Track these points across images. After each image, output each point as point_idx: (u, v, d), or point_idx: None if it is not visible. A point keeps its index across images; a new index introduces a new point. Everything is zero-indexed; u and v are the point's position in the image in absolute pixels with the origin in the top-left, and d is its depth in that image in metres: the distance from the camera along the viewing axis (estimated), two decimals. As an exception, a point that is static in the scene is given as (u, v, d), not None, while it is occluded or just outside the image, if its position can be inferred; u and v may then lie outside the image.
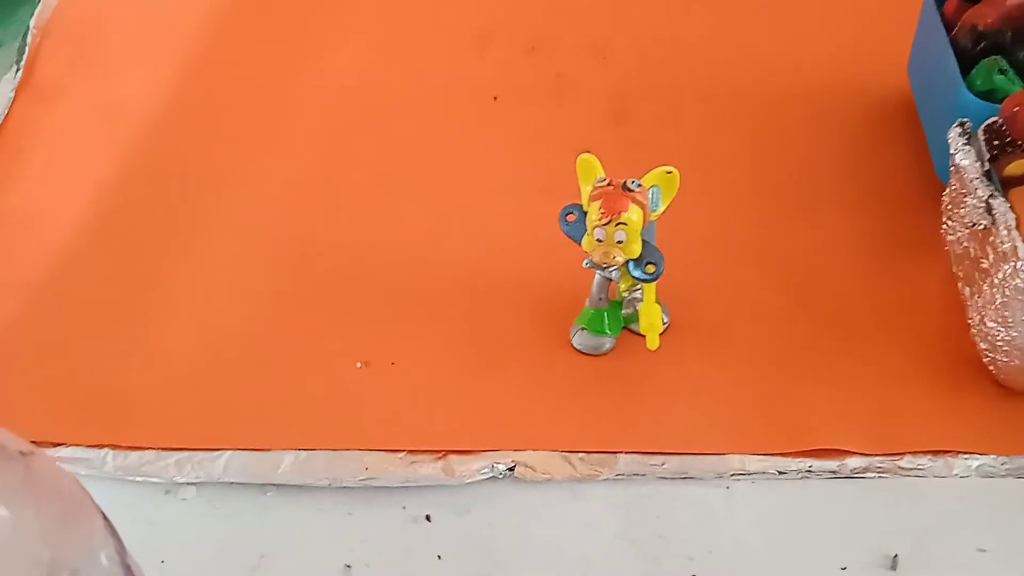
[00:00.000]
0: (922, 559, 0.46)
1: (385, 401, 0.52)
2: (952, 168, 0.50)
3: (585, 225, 0.48)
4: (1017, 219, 0.46)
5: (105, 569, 0.29)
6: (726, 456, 0.49)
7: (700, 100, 0.66)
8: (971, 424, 0.50)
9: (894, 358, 0.53)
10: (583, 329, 0.53)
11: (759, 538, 0.47)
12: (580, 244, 0.49)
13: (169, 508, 0.49)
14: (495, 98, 0.66)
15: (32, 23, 0.72)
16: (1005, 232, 0.46)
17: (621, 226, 0.47)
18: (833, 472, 0.49)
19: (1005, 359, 0.49)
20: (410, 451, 0.50)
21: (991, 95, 0.53)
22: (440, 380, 0.52)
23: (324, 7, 0.73)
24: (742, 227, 0.59)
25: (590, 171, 0.49)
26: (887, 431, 0.50)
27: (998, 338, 0.48)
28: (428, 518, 0.48)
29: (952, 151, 0.50)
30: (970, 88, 0.53)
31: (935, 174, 0.58)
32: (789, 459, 0.49)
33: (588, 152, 0.49)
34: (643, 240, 0.48)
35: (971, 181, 0.48)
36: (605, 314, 0.52)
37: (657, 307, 0.50)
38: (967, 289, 0.51)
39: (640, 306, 0.50)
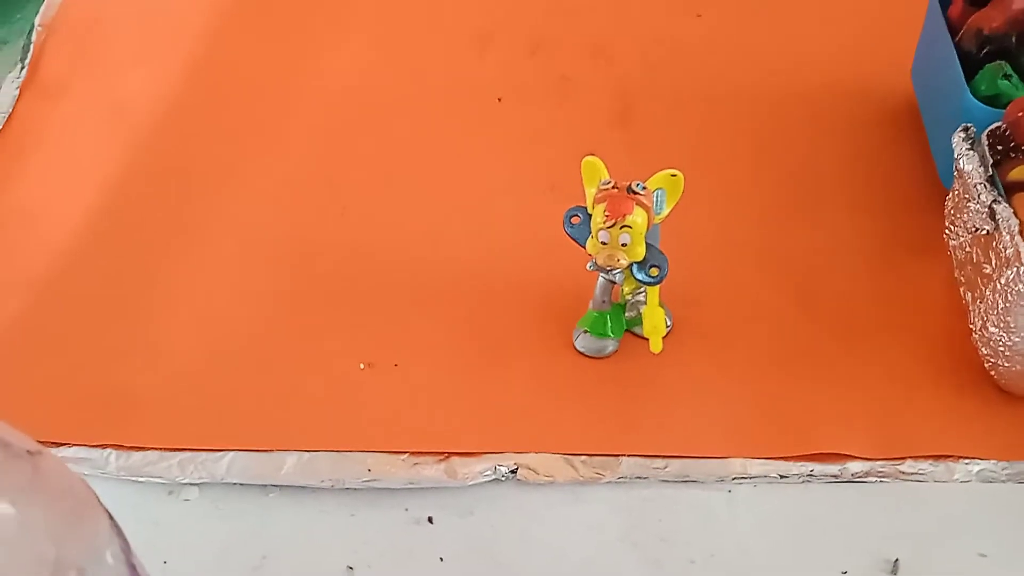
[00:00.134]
0: (923, 563, 0.46)
1: (388, 402, 0.52)
2: (955, 173, 0.50)
3: (589, 228, 0.48)
4: (1020, 224, 0.46)
5: (111, 567, 0.29)
6: (728, 460, 0.49)
7: (702, 100, 0.66)
8: (972, 429, 0.50)
9: (896, 361, 0.53)
10: (586, 332, 0.53)
11: (760, 541, 0.47)
12: (584, 247, 0.49)
13: (172, 508, 0.49)
14: (499, 99, 0.66)
15: (37, 21, 0.72)
16: (1008, 237, 0.46)
17: (626, 229, 0.47)
18: (834, 476, 0.49)
19: (1007, 364, 0.49)
20: (413, 453, 0.50)
21: (995, 100, 0.53)
22: (443, 382, 0.53)
23: (324, 7, 0.73)
24: (744, 228, 0.59)
25: (595, 173, 0.49)
26: (888, 435, 0.50)
27: (1000, 343, 0.48)
28: (430, 520, 0.48)
29: (955, 156, 0.50)
30: (974, 93, 0.53)
31: (938, 177, 0.59)
32: (790, 463, 0.49)
33: (592, 155, 0.49)
34: (647, 243, 0.48)
35: (974, 186, 0.48)
36: (608, 317, 0.52)
37: (660, 310, 0.50)
38: (969, 294, 0.51)
39: (644, 309, 0.50)
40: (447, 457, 0.50)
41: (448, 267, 0.57)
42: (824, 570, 0.46)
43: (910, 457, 0.49)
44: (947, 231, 0.52)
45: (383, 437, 0.50)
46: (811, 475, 0.49)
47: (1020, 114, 0.49)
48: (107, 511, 0.30)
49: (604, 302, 0.52)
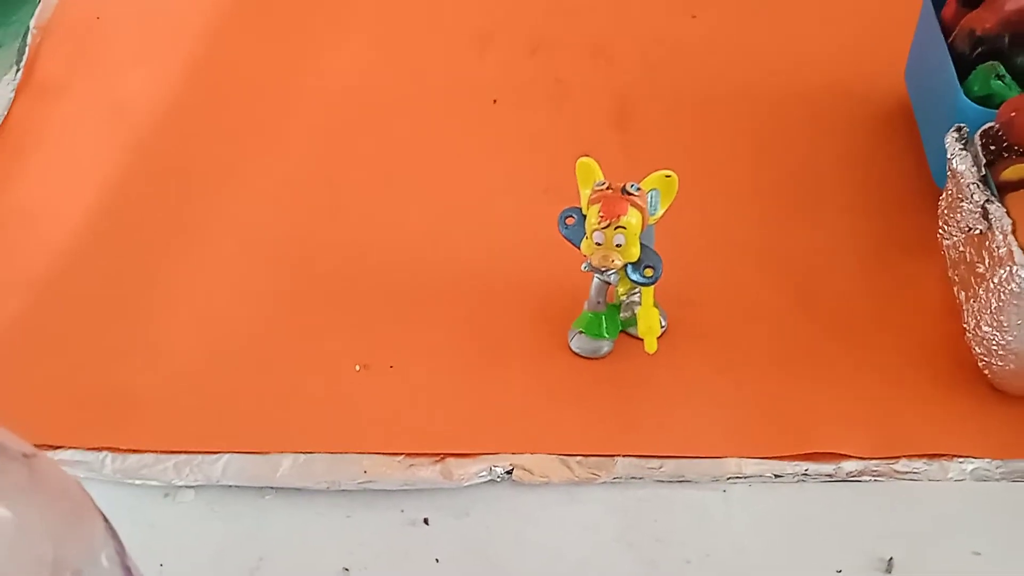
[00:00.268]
0: (917, 562, 0.46)
1: (384, 404, 0.52)
2: (949, 173, 0.51)
3: (584, 228, 0.48)
4: (1013, 224, 0.46)
5: (106, 570, 0.29)
6: (723, 459, 0.49)
7: (700, 101, 0.66)
8: (966, 428, 0.50)
9: (890, 361, 0.53)
10: (581, 333, 0.53)
11: (756, 541, 0.47)
12: (579, 247, 0.49)
13: (168, 511, 0.49)
14: (494, 101, 0.66)
15: (32, 23, 0.72)
16: (1001, 237, 0.46)
17: (620, 230, 0.47)
18: (829, 475, 0.49)
19: (1000, 363, 0.49)
20: (408, 454, 0.50)
21: (988, 100, 0.53)
22: (439, 383, 0.53)
23: (324, 7, 0.73)
24: (741, 228, 0.59)
25: (589, 174, 0.49)
26: (883, 434, 0.50)
27: (993, 342, 0.48)
28: (426, 521, 0.48)
29: (949, 156, 0.50)
30: (967, 93, 0.53)
31: (931, 177, 0.59)
32: (785, 462, 0.49)
33: (587, 156, 0.49)
34: (641, 244, 0.48)
35: (967, 186, 0.48)
36: (603, 318, 0.53)
37: (655, 311, 0.50)
38: (963, 293, 0.51)
39: (638, 310, 0.51)
40: (443, 458, 0.50)
41: (444, 268, 0.57)
42: (819, 569, 0.46)
43: (904, 456, 0.49)
44: (941, 231, 0.53)
45: (379, 438, 0.50)
46: (806, 474, 0.49)
47: (1013, 114, 0.49)
48: (102, 514, 0.30)
49: (599, 303, 0.52)
